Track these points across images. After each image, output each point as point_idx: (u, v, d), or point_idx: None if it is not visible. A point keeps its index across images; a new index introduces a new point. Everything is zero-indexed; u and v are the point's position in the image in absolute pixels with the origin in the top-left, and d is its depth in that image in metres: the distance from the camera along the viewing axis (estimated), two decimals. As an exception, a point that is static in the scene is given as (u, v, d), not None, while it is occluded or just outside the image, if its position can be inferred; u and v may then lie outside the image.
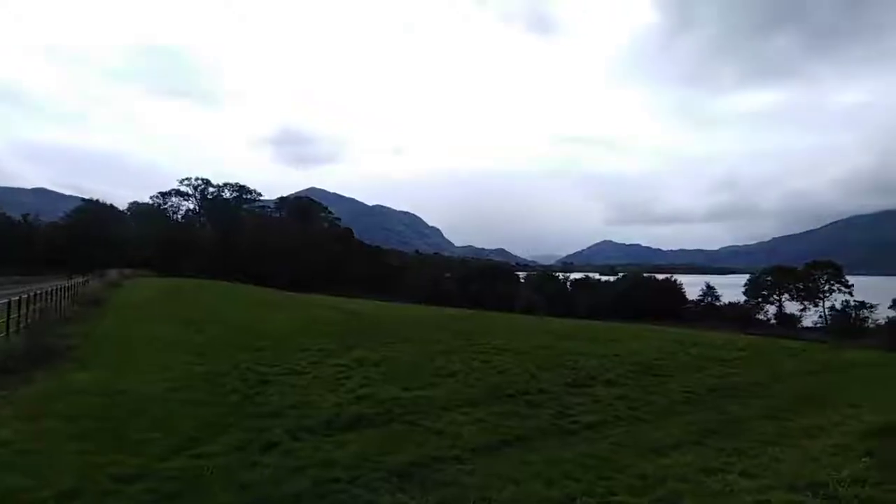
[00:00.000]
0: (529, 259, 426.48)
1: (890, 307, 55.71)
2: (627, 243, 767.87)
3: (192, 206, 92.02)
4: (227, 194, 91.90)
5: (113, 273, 48.02)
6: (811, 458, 7.38)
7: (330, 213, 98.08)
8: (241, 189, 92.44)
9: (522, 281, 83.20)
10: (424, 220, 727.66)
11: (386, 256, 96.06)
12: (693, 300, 72.08)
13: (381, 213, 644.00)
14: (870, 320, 57.32)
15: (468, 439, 7.99)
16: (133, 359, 12.85)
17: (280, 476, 6.36)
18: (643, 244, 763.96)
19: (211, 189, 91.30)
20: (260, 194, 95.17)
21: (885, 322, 54.58)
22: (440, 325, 21.39)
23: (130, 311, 24.03)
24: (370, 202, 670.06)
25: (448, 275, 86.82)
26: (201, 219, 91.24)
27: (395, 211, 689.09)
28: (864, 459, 7.27)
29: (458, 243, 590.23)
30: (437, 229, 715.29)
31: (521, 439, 8.23)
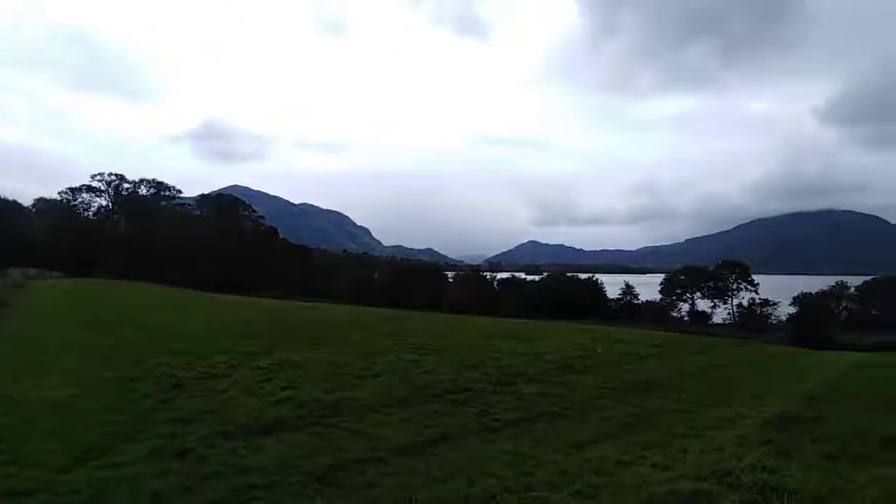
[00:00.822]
0: (458, 259, 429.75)
1: (791, 304, 59.67)
2: (552, 243, 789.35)
3: (104, 203, 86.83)
4: (143, 191, 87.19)
5: (16, 273, 44.61)
6: (717, 448, 7.77)
7: (254, 211, 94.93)
8: (159, 185, 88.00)
9: (451, 280, 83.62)
10: (353, 219, 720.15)
11: (312, 256, 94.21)
12: (613, 299, 74.63)
13: (307, 212, 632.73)
14: (773, 316, 61.28)
15: (391, 440, 7.94)
16: (34, 365, 11.99)
17: (193, 484, 6.10)
18: (567, 244, 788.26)
19: (126, 185, 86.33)
20: (179, 191, 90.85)
21: (787, 318, 58.61)
22: (366, 325, 21.17)
23: (33, 313, 22.46)
24: (296, 200, 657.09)
25: (376, 274, 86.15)
26: (115, 216, 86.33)
27: (322, 210, 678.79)
28: (763, 447, 7.74)
29: (386, 243, 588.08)
30: (366, 229, 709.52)
31: (445, 438, 8.26)
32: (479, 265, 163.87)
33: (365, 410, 9.44)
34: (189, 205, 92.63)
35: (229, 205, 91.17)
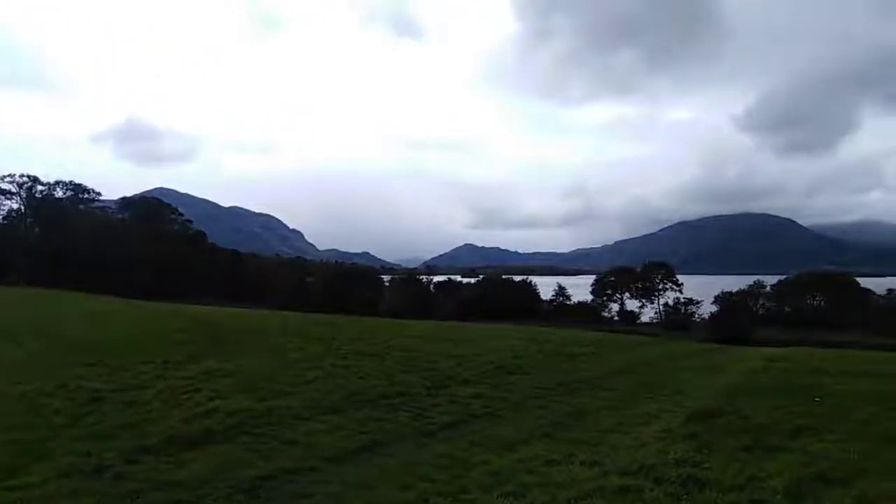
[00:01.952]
0: (394, 262, 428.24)
1: (712, 303, 62.68)
2: (488, 246, 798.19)
3: (16, 206, 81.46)
4: (59, 193, 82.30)
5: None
6: (643, 444, 8.04)
7: (180, 214, 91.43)
8: (77, 187, 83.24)
9: (387, 284, 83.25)
10: (285, 222, 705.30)
11: (243, 260, 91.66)
12: (547, 300, 76.25)
13: (237, 215, 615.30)
14: (696, 315, 64.27)
15: (324, 448, 7.79)
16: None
17: (110, 503, 5.79)
18: (502, 247, 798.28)
19: (40, 187, 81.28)
20: (99, 193, 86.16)
21: (709, 316, 61.58)
22: (299, 331, 20.75)
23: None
24: (226, 203, 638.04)
25: (310, 279, 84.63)
26: (28, 220, 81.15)
27: (253, 213, 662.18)
28: (686, 441, 8.07)
29: (321, 247, 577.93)
30: (299, 232, 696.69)
31: (379, 444, 8.18)
32: (415, 268, 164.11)
33: (297, 418, 9.22)
34: (110, 208, 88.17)
35: (154, 208, 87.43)
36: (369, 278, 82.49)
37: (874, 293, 62.05)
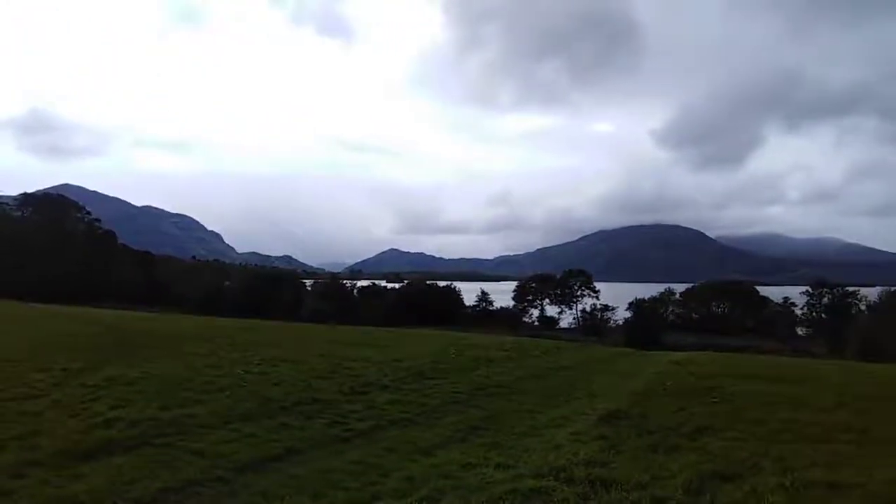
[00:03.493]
0: (317, 266, 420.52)
1: (626, 309, 65.34)
2: (413, 252, 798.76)
3: None
4: (-53, 186, 75.87)
5: None
6: (555, 446, 8.24)
7: (87, 212, 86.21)
8: (-31, 181, 77.05)
9: (309, 289, 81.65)
10: (202, 223, 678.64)
11: (156, 263, 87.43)
12: (470, 305, 77.10)
13: (151, 215, 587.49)
14: (612, 320, 66.83)
15: (233, 457, 7.51)
16: None
17: (-9, 523, 5.35)
18: (427, 253, 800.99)
19: (-75, 180, 74.63)
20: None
21: (623, 322, 64.17)
22: (213, 336, 20.01)
23: None
24: (139, 202, 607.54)
25: (227, 283, 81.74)
26: None
27: (168, 213, 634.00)
28: (596, 443, 8.35)
29: (240, 249, 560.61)
30: (218, 234, 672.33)
31: (293, 452, 7.98)
32: (339, 273, 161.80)
33: (206, 427, 8.86)
34: (8, 205, 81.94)
35: (58, 205, 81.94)
36: (290, 282, 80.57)
37: (772, 301, 66.54)
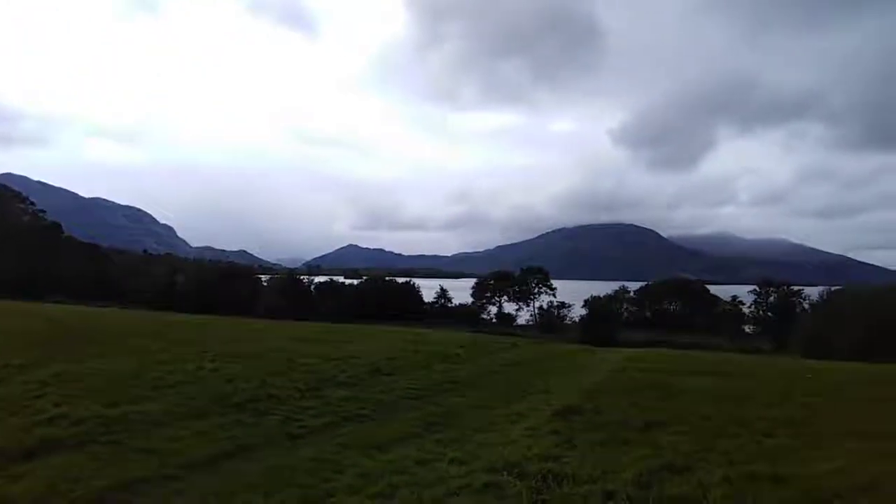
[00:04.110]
0: (274, 261, 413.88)
1: (582, 306, 66.35)
2: (372, 248, 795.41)
3: None
4: None
5: None
6: (510, 441, 8.33)
7: (32, 203, 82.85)
8: None
9: (265, 284, 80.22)
10: (154, 216, 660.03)
11: (105, 256, 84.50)
12: (429, 302, 77.07)
13: (100, 207, 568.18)
14: (568, 317, 67.78)
15: (184, 455, 7.35)
16: None
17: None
18: (386, 249, 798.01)
19: None
20: (-70, 176, 76.11)
21: (579, 319, 65.17)
22: (165, 332, 19.53)
23: None
24: (87, 194, 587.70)
25: (181, 277, 79.64)
26: None
27: (118, 205, 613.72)
28: (550, 438, 8.47)
29: (194, 243, 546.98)
30: (170, 227, 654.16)
31: (245, 449, 7.86)
32: (296, 268, 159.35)
33: (156, 425, 8.65)
34: (-56, 194, 78.04)
35: (-1, 195, 78.44)
36: (246, 277, 79.02)
37: (721, 300, 68.55)
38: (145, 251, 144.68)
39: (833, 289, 55.79)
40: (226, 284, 70.88)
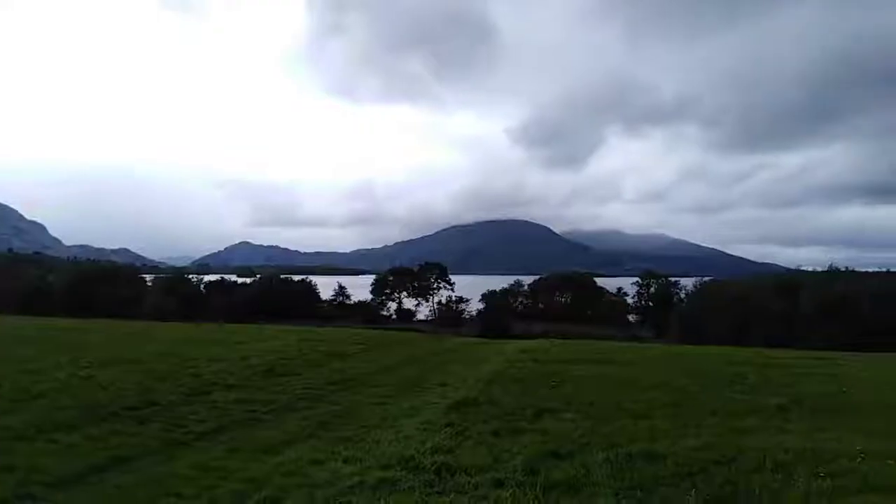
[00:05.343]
0: (160, 260, 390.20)
1: (479, 300, 67.81)
2: (266, 245, 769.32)
3: None
4: None
5: None
6: (405, 437, 8.33)
7: None
8: None
9: (150, 284, 75.45)
10: (21, 213, 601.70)
11: (-39, 256, 76.03)
12: (327, 299, 75.74)
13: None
14: (466, 311, 69.04)
15: (50, 471, 6.75)
16: None
17: None
18: (282, 246, 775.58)
19: None
20: None
21: (477, 312, 66.57)
22: (30, 337, 17.90)
23: None
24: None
25: (52, 278, 73.19)
26: None
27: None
28: (444, 430, 8.56)
29: (68, 242, 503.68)
30: (40, 225, 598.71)
31: (121, 461, 7.34)
32: (184, 267, 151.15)
33: (18, 439, 7.91)
34: None
35: None
36: (127, 278, 73.92)
37: (608, 291, 72.46)
38: (10, 250, 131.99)
39: (705, 279, 60.62)
40: (106, 285, 65.96)
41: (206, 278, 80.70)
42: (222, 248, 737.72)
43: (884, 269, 64.74)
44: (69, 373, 12.40)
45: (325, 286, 78.20)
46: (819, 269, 57.52)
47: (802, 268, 61.90)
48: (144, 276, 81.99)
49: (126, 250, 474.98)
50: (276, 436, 8.61)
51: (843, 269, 55.47)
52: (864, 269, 60.88)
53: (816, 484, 6.05)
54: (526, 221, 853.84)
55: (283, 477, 6.60)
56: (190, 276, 79.60)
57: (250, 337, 21.75)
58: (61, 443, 7.86)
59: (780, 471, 6.48)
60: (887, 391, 12.67)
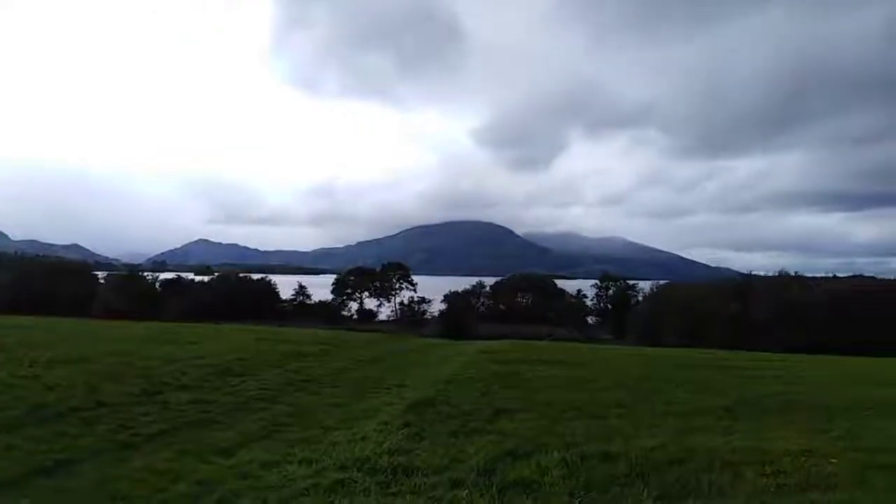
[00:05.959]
0: (113, 257, 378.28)
1: (441, 301, 67.97)
2: (225, 243, 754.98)
3: None
4: None
5: None
6: (362, 438, 8.25)
7: None
8: None
9: (102, 282, 73.21)
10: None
11: None
12: (286, 299, 74.80)
13: None
14: (428, 312, 69.14)
15: (-14, 475, 6.46)
16: None
17: None
18: (241, 244, 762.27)
19: None
20: None
21: (438, 313, 66.70)
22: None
23: None
24: None
25: (-2, 274, 70.28)
26: None
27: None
28: (402, 431, 8.51)
29: (16, 237, 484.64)
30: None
31: (66, 463, 7.07)
32: (139, 265, 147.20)
33: (-50, 444, 7.53)
34: None
35: None
36: (78, 274, 71.55)
37: (568, 293, 73.49)
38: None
39: (662, 283, 62.00)
40: (55, 282, 63.70)
41: (162, 276, 78.81)
42: (179, 246, 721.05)
43: (831, 275, 67.42)
44: (10, 372, 11.87)
45: (286, 285, 77.26)
46: (771, 273, 59.45)
47: (755, 273, 63.73)
48: (97, 273, 79.58)
49: (78, 246, 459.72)
50: (230, 437, 8.43)
51: (794, 275, 57.42)
52: (813, 275, 63.16)
53: (763, 482, 6.23)
54: (489, 223, 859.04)
55: (235, 479, 6.46)
56: (144, 274, 77.66)
57: (206, 336, 21.27)
58: (0, 444, 7.53)
59: (729, 470, 6.64)
60: (830, 392, 13.17)
